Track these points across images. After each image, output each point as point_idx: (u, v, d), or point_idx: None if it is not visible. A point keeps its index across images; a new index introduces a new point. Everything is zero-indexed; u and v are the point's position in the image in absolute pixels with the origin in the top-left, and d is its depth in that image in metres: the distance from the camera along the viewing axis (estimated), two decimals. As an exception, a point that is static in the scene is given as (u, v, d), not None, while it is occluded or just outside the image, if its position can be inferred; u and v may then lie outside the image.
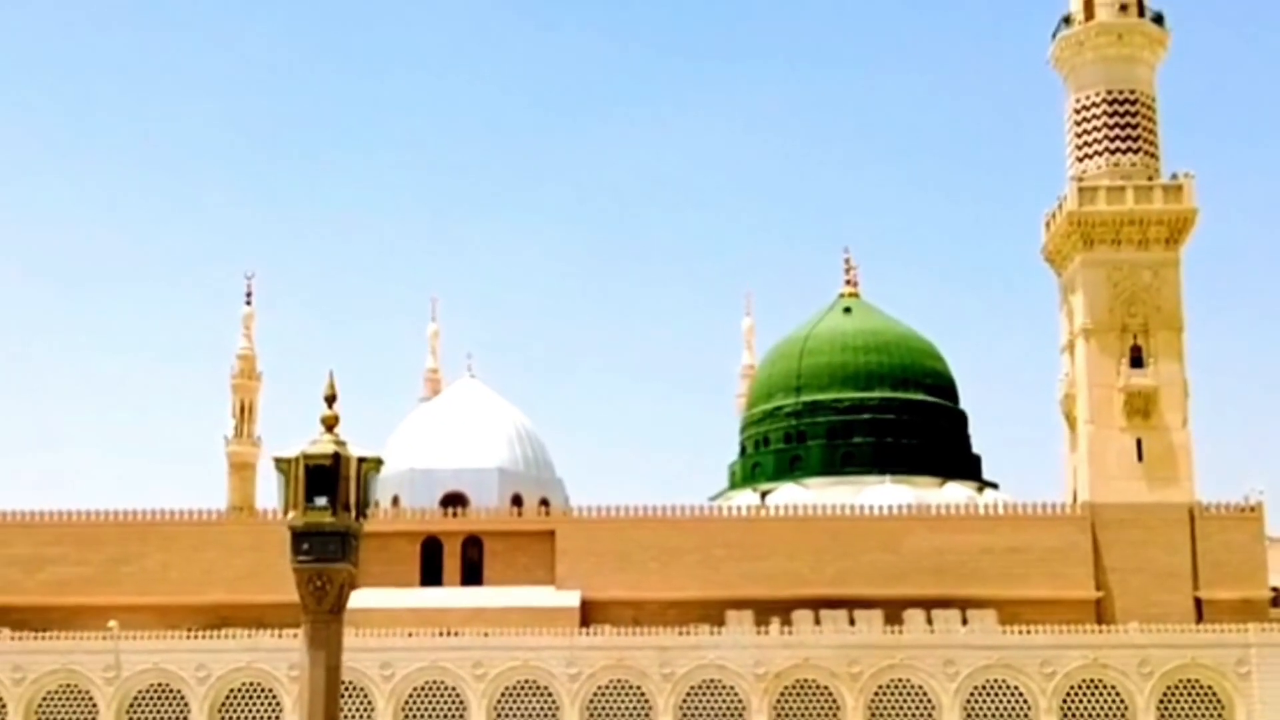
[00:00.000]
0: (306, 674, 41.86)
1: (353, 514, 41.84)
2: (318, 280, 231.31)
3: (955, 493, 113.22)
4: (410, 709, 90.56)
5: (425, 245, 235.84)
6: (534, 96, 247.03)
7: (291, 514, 42.03)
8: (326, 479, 41.07)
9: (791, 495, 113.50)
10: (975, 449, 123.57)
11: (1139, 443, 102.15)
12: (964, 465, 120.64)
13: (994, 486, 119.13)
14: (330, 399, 44.70)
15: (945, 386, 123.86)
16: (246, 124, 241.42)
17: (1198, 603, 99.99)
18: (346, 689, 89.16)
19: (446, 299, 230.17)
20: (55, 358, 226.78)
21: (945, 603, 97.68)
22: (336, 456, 41.40)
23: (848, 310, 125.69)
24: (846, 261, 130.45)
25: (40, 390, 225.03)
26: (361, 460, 42.04)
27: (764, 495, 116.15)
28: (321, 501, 40.90)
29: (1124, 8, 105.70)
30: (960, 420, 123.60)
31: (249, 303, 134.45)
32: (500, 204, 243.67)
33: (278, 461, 42.34)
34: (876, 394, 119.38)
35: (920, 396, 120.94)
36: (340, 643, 42.29)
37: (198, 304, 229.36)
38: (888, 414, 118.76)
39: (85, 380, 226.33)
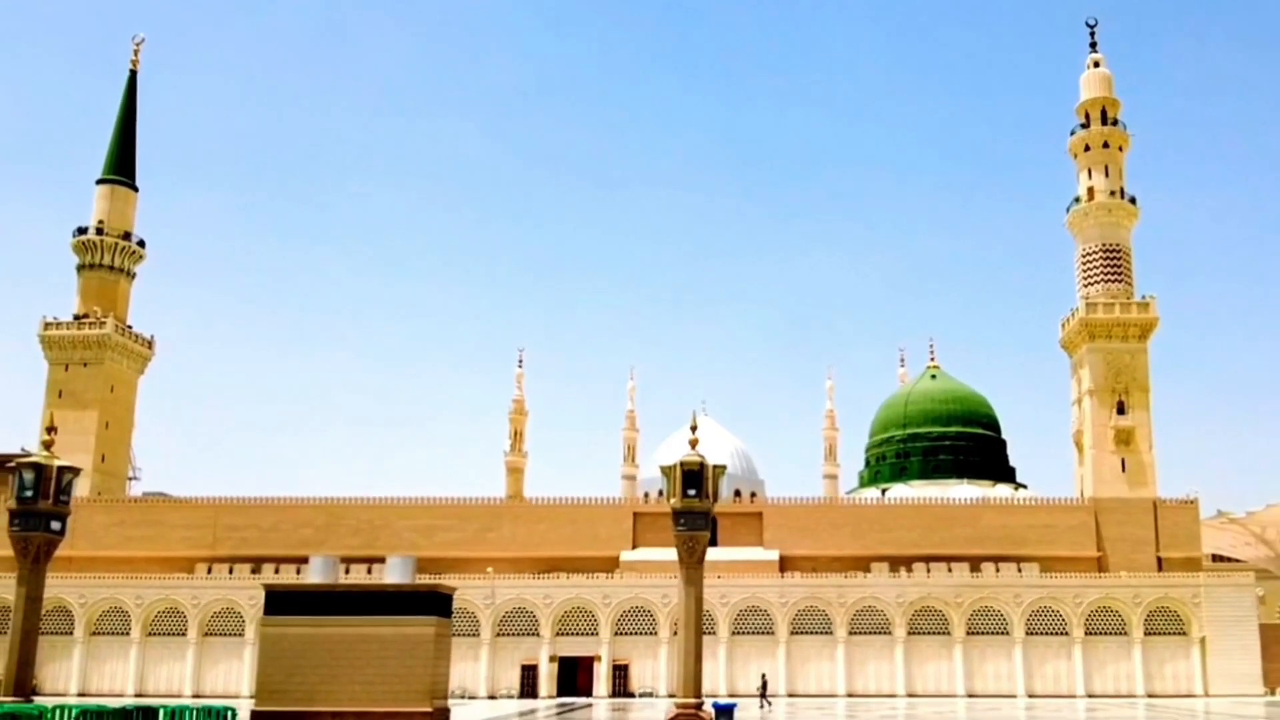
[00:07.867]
0: (682, 603, 40.22)
1: (711, 500, 40.45)
2: (563, 348, 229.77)
3: (1002, 490, 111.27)
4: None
5: (632, 326, 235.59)
6: (730, 230, 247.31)
7: (673, 500, 40.59)
8: (695, 478, 39.57)
9: (902, 491, 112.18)
10: (1011, 463, 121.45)
11: (1123, 461, 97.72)
12: (1006, 473, 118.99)
13: (1024, 486, 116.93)
14: (694, 428, 42.78)
15: (993, 424, 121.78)
16: (519, 254, 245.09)
17: (1159, 560, 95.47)
18: (638, 611, 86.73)
19: (658, 361, 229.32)
20: (406, 410, 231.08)
21: (1005, 559, 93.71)
22: (701, 464, 39.95)
23: (934, 377, 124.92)
24: (930, 347, 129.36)
25: (404, 424, 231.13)
26: (715, 466, 40.58)
27: (883, 491, 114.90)
28: (692, 492, 39.66)
29: (1113, 193, 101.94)
30: (1003, 445, 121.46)
31: (520, 365, 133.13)
32: (696, 303, 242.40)
33: (663, 468, 41.48)
34: (953, 429, 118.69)
35: (980, 430, 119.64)
36: (702, 582, 40.27)
37: (487, 366, 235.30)
38: (961, 441, 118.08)
39: (422, 417, 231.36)
